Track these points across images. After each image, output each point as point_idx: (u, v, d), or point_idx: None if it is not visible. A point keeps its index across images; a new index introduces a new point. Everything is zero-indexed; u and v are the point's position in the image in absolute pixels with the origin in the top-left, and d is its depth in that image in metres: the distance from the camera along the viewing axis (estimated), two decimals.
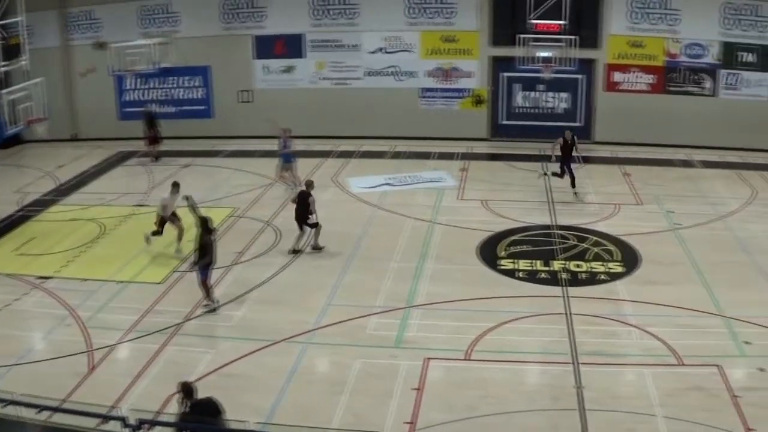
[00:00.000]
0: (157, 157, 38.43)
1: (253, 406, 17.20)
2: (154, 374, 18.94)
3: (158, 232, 26.63)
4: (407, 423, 16.66)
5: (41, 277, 24.99)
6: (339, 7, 40.43)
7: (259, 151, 38.85)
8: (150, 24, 42.18)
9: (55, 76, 40.52)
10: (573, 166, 31.57)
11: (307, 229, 26.63)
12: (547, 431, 16.59)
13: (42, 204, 32.46)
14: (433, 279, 24.13)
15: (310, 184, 27.19)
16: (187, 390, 13.95)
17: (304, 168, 34.51)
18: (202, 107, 42.40)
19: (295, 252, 26.42)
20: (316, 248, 26.61)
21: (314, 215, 26.52)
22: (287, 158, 32.54)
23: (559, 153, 31.29)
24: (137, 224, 29.36)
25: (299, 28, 41.04)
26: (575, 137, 31.53)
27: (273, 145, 35.00)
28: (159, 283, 24.29)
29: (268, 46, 41.48)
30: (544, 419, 16.88)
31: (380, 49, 40.67)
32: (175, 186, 26.89)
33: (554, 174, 31.62)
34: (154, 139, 38.54)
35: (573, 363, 19.03)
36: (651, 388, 17.84)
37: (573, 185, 31.36)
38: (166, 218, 26.55)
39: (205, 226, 22.32)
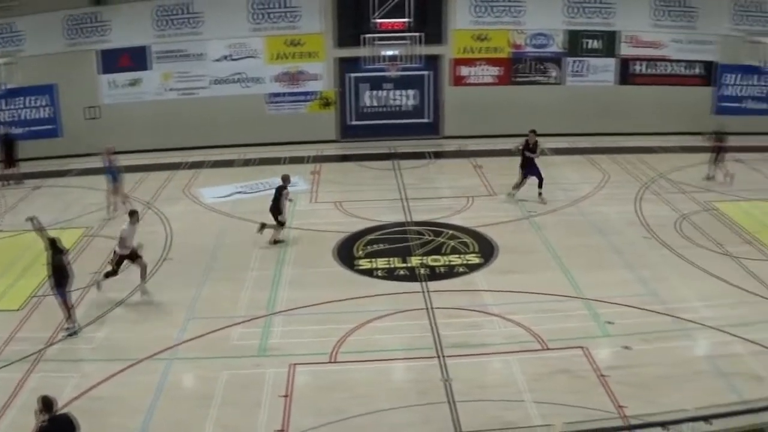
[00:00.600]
0: (15, 179, 36.83)
1: (123, 427, 16.66)
2: (21, 404, 17.91)
3: (113, 272, 23.82)
4: (278, 431, 16.33)
5: None
6: (183, 17, 39.52)
7: None
8: None
9: None
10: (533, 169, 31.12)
11: (284, 220, 27.23)
12: (419, 426, 16.41)
13: None
14: (292, 284, 23.68)
15: (286, 179, 27.55)
16: (46, 403, 13.46)
17: (155, 181, 34.07)
18: (50, 126, 40.90)
19: (276, 242, 26.94)
20: (277, 242, 27.06)
21: (284, 213, 27.19)
22: (113, 176, 31.48)
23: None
24: None
25: (143, 40, 39.94)
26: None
27: (124, 161, 34.14)
28: (17, 310, 23.12)
29: (114, 60, 40.22)
30: (414, 415, 16.72)
31: (225, 57, 39.95)
32: (133, 215, 24.10)
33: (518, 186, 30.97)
34: (10, 161, 36.96)
35: (438, 356, 18.92)
36: (518, 375, 17.91)
37: (540, 186, 30.61)
38: (123, 256, 23.78)
39: (55, 247, 21.36)
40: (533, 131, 30.68)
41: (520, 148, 30.38)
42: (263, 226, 26.89)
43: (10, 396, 18.24)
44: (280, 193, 27.08)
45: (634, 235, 26.78)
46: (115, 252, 23.52)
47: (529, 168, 30.36)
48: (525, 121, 38.02)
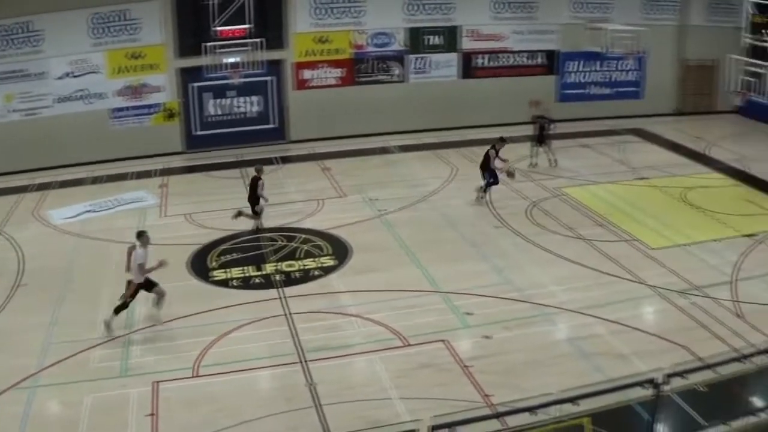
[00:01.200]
0: None
1: None
2: None
3: (125, 306, 21.69)
4: None
5: None
6: (22, 36, 38.27)
7: None
8: None
9: None
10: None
11: (260, 210, 27.85)
12: None
13: None
14: (149, 301, 22.92)
15: (259, 170, 28.30)
16: None
17: (2, 206, 32.88)
18: None
19: (258, 230, 27.76)
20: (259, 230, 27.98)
21: (263, 200, 27.94)
22: None
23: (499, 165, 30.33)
24: None
25: None
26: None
27: None
28: None
29: None
30: (282, 422, 16.66)
31: (67, 74, 38.94)
32: (142, 236, 21.95)
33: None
34: None
35: (301, 362, 18.88)
36: (382, 373, 18.03)
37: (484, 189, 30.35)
38: (140, 285, 21.72)
39: None
40: (502, 139, 30.98)
41: (511, 171, 30.36)
42: (239, 213, 27.41)
43: None
44: (255, 183, 27.68)
45: (485, 225, 27.19)
46: (130, 283, 21.75)
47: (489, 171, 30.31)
48: (371, 121, 38.45)
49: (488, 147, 30.37)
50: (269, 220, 28.69)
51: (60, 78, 38.31)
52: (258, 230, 27.80)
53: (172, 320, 21.67)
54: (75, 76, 38.41)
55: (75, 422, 17.05)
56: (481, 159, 30.18)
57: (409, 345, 19.12)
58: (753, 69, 32.86)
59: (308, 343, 19.67)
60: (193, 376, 18.76)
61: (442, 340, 19.10)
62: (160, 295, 21.85)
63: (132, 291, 21.51)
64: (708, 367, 15.31)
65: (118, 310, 21.30)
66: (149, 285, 21.69)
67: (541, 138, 33.72)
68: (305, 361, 18.84)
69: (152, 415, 17.22)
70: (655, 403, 14.08)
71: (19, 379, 19.03)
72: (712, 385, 16.73)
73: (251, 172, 31.87)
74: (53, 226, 30.54)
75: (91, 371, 19.42)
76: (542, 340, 19.34)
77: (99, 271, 25.61)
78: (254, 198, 27.86)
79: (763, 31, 33.09)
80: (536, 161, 33.50)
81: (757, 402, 16.41)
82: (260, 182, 27.76)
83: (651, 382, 13.76)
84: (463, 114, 39.94)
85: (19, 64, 37.77)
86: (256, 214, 27.93)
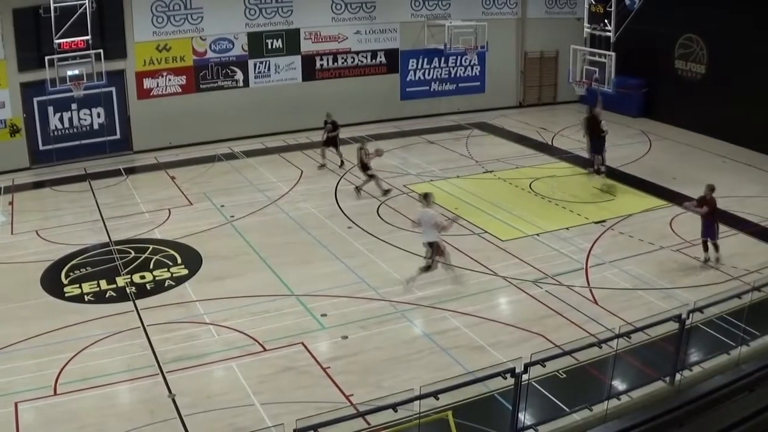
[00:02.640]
0: None
1: None
2: None
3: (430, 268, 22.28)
4: None
5: None
6: None
7: None
8: None
9: None
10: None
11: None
12: None
13: None
14: (3, 321, 22.45)
15: (363, 142, 31.36)
16: None
17: None
18: None
19: (386, 192, 30.69)
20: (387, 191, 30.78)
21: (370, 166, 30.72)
22: None
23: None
24: None
25: None
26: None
27: None
28: None
29: None
30: None
31: None
32: (428, 197, 22.54)
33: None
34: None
35: (160, 373, 18.73)
36: (242, 380, 18.03)
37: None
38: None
39: None
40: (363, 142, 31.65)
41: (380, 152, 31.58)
42: (358, 189, 30.67)
43: None
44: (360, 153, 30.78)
45: (336, 226, 27.43)
46: (432, 245, 22.20)
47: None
48: (216, 127, 38.37)
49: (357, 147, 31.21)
50: (118, 232, 28.41)
51: None
52: (386, 192, 30.47)
53: (28, 339, 21.10)
54: None
55: None
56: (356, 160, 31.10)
57: (267, 350, 19.17)
58: (593, 58, 33.80)
59: (165, 354, 19.52)
60: (53, 395, 18.40)
61: (300, 343, 19.23)
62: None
63: (438, 251, 22.19)
64: (566, 354, 15.71)
65: (425, 270, 22.07)
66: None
67: (329, 140, 34.29)
68: (164, 373, 18.67)
69: None
70: (516, 392, 14.41)
71: None
72: (571, 372, 17.39)
73: (99, 184, 31.70)
74: None
75: None
76: (400, 337, 19.65)
77: None
78: (364, 166, 30.43)
79: (604, 21, 34.07)
80: (324, 162, 34.45)
81: (618, 385, 17.01)
82: (362, 151, 30.47)
83: (511, 372, 14.10)
84: (308, 116, 39.76)
85: None
86: (371, 177, 30.27)
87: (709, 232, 23.81)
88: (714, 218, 23.84)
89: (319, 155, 34.95)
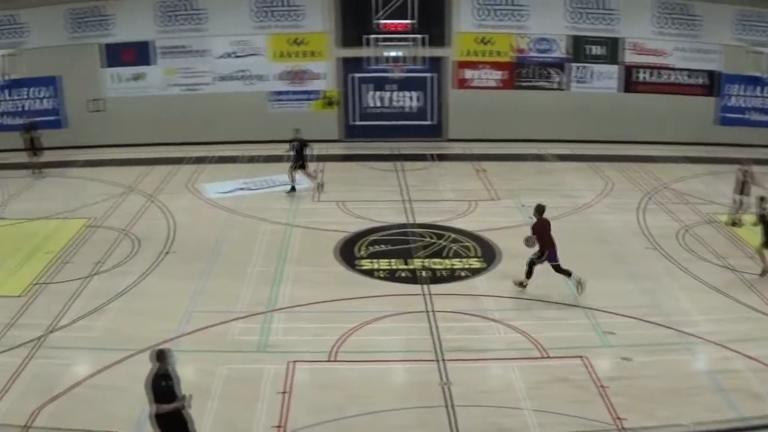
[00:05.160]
0: (36, 168, 36.89)
1: (119, 417, 16.56)
2: (20, 389, 18.01)
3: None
4: (275, 427, 16.30)
5: None
6: (186, 13, 39.58)
7: (113, 160, 37.87)
8: None
9: None
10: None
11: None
12: (416, 429, 16.33)
13: None
14: (294, 282, 23.66)
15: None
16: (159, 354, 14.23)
17: (158, 175, 34.72)
18: (54, 117, 40.95)
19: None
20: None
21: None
22: None
23: None
24: None
25: (147, 35, 40.03)
26: None
27: (128, 153, 34.53)
28: (19, 296, 23.22)
29: (117, 54, 40.35)
30: (413, 417, 16.65)
31: (229, 54, 39.99)
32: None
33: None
34: (34, 150, 36.95)
35: (438, 360, 18.87)
36: (517, 382, 17.81)
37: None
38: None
39: None
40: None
41: None
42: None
43: (8, 381, 18.29)
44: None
45: (636, 245, 26.62)
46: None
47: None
48: (529, 126, 38.28)
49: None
50: (421, 215, 28.98)
51: (221, 57, 39.66)
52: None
53: (314, 303, 21.99)
54: (237, 57, 39.61)
55: (207, 390, 17.45)
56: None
57: (548, 357, 18.91)
58: None
59: (447, 342, 19.65)
60: (329, 361, 19.01)
61: (581, 356, 18.79)
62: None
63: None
64: None
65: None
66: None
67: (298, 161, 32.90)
68: (442, 360, 18.81)
69: (284, 393, 17.53)
70: None
71: (158, 341, 19.46)
72: None
73: (407, 166, 32.38)
74: (206, 199, 31.69)
75: (229, 343, 20.01)
76: (680, 369, 18.82)
77: (248, 248, 26.50)
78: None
79: None
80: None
81: None
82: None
83: None
84: (622, 128, 39.38)
85: (181, 40, 39.18)
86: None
87: None
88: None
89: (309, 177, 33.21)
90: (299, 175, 32.41)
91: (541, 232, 22.89)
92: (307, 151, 32.58)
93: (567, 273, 22.29)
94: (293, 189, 32.13)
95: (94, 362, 19.12)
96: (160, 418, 14.02)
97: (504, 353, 19.24)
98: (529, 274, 22.71)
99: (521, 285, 22.72)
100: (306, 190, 32.35)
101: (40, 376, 18.55)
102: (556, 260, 22.51)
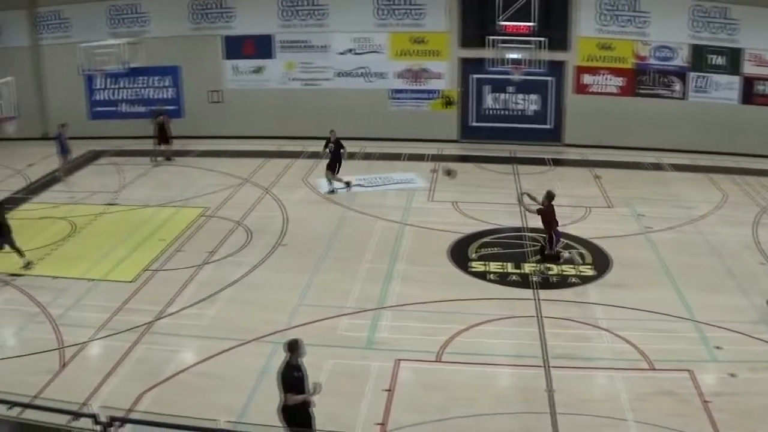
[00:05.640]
0: (167, 156, 38.21)
1: (225, 406, 17.14)
2: (125, 372, 18.81)
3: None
4: (378, 424, 16.61)
5: (12, 275, 24.78)
6: (308, 8, 40.34)
7: (230, 152, 38.78)
8: (119, 24, 42.09)
9: (25, 76, 40.72)
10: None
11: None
12: None
13: (12, 202, 32.08)
14: (404, 280, 24.03)
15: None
16: (291, 345, 14.70)
17: (274, 167, 35.70)
18: (172, 107, 42.12)
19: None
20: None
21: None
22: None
23: None
24: (108, 223, 29.50)
25: (268, 29, 40.94)
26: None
27: (245, 145, 35.42)
28: (130, 282, 24.16)
29: (238, 47, 41.44)
30: (515, 422, 16.78)
31: (350, 50, 40.58)
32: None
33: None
34: (164, 139, 38.16)
35: (544, 366, 18.98)
36: (622, 393, 17.79)
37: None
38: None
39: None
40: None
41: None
42: None
43: (116, 364, 19.08)
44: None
45: (750, 259, 26.09)
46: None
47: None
48: (647, 134, 37.95)
49: None
50: (535, 220, 28.39)
51: (342, 53, 40.23)
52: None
53: (423, 303, 22.28)
54: (357, 53, 40.19)
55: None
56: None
57: (654, 369, 18.78)
58: None
59: (554, 348, 19.73)
60: (435, 361, 19.26)
61: (687, 370, 18.65)
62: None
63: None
64: None
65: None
66: None
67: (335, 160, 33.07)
68: (548, 367, 18.89)
69: (389, 391, 17.83)
70: None
71: (266, 333, 20.33)
72: None
73: (523, 169, 32.54)
74: (321, 194, 32.10)
75: (336, 338, 20.46)
76: None
77: (360, 244, 26.99)
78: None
79: None
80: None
81: None
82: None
83: None
84: (740, 140, 38.78)
85: (302, 35, 39.87)
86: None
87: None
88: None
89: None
90: (330, 176, 32.88)
91: (550, 216, 24.24)
92: (344, 153, 33.11)
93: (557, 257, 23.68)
94: (332, 191, 32.74)
95: (200, 350, 19.83)
96: (286, 411, 14.39)
97: (610, 363, 19.16)
98: (555, 257, 24.26)
99: (547, 270, 23.85)
100: (420, 189, 32.72)
101: (146, 361, 19.32)
102: (560, 239, 24.50)
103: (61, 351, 19.91)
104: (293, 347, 14.56)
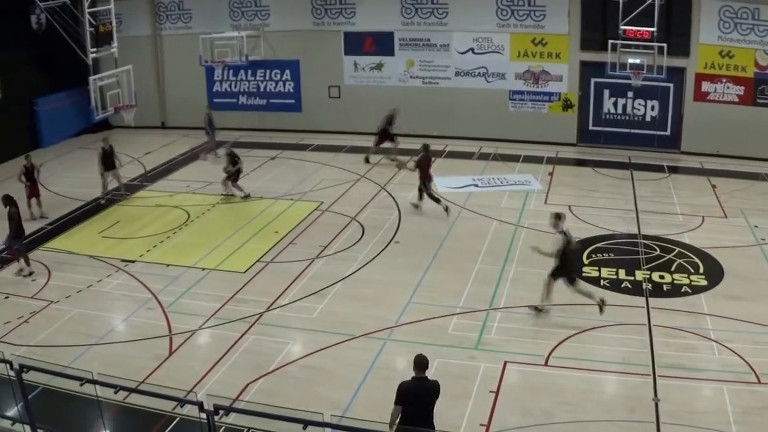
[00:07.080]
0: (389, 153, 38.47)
1: (330, 399, 17.69)
2: (233, 362, 19.61)
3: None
4: (482, 425, 16.97)
5: (125, 261, 25.87)
6: (429, 7, 40.80)
7: (347, 147, 39.49)
8: (240, 16, 43.16)
9: (145, 65, 42.31)
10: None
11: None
12: None
13: (129, 189, 33.20)
14: (515, 282, 24.30)
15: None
16: (418, 362, 14.57)
17: (390, 165, 35.82)
18: (291, 101, 43.08)
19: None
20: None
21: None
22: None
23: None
24: (223, 213, 30.55)
25: (389, 26, 41.54)
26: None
27: (362, 141, 36.58)
28: (243, 272, 24.97)
29: (358, 43, 42.17)
30: (619, 430, 16.91)
31: (470, 50, 40.92)
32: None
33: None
34: (390, 138, 38.35)
35: (651, 375, 19.01)
36: (728, 405, 17.70)
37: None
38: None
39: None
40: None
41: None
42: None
43: (224, 353, 19.90)
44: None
45: None
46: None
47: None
48: (765, 145, 37.24)
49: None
50: (647, 227, 28.88)
51: (463, 53, 40.56)
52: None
53: (533, 306, 22.48)
54: (477, 53, 40.57)
55: None
56: None
57: (762, 383, 18.62)
58: None
59: (662, 358, 19.69)
60: (543, 365, 19.51)
61: None
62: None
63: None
64: None
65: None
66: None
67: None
68: (656, 376, 18.89)
69: (495, 392, 18.17)
70: None
71: (375, 329, 20.88)
72: None
73: (640, 175, 32.46)
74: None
75: (445, 337, 20.82)
76: None
77: (473, 245, 27.28)
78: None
79: None
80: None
81: None
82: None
83: None
84: None
85: (423, 33, 40.39)
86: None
87: None
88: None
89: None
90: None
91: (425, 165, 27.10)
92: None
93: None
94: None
95: (308, 343, 20.50)
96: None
97: (717, 374, 19.06)
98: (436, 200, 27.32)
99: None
100: (536, 191, 33.05)
101: (254, 352, 20.08)
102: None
103: (170, 338, 20.90)
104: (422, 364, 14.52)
